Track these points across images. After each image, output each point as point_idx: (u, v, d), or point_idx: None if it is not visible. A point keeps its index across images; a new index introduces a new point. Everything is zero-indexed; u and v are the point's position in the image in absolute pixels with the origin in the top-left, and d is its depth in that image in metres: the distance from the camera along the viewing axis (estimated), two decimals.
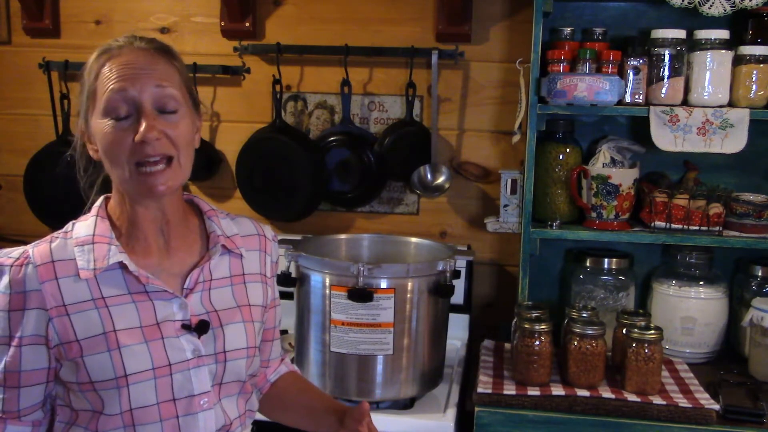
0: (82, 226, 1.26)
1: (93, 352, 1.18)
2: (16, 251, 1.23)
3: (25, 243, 1.28)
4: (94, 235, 1.24)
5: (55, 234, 1.26)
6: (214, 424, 1.25)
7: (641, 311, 2.07)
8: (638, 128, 2.26)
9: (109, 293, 1.21)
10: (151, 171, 1.19)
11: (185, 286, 1.26)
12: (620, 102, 2.07)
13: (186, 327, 1.23)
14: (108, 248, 1.22)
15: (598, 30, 2.23)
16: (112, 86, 1.18)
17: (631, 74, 2.07)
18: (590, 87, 2.02)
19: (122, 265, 1.21)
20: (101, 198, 1.31)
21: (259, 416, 1.46)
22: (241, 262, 1.34)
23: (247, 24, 2.50)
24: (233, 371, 1.28)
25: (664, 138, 2.03)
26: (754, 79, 2.02)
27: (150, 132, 1.17)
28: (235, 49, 2.48)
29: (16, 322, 1.19)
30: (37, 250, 1.22)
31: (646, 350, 1.85)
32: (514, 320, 2.01)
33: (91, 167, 1.32)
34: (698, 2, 2.00)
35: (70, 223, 1.28)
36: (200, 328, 1.24)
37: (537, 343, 1.90)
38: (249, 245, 1.37)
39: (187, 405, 1.22)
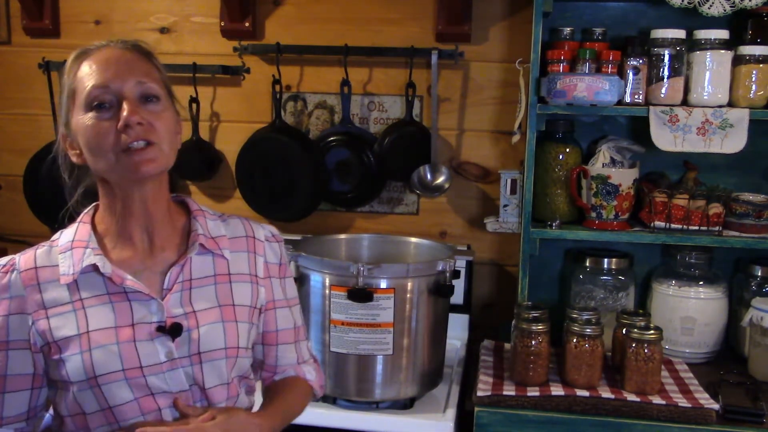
0: (66, 234, 1.29)
1: (69, 353, 1.20)
2: (4, 260, 1.27)
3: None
4: (73, 240, 1.26)
5: (43, 242, 1.29)
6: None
7: (641, 311, 2.07)
8: (638, 128, 2.26)
9: (87, 294, 1.23)
10: (134, 149, 1.19)
11: (164, 286, 1.26)
12: (620, 102, 2.07)
13: (161, 329, 1.23)
14: (83, 252, 1.24)
15: (598, 30, 2.23)
16: (93, 81, 1.20)
17: (630, 74, 2.07)
18: (590, 87, 2.02)
19: (95, 268, 1.22)
20: (91, 206, 1.33)
21: None
22: (226, 263, 1.33)
23: (247, 24, 2.50)
24: (212, 372, 1.26)
25: (663, 138, 2.03)
26: (753, 79, 2.02)
27: (132, 116, 1.18)
28: (235, 49, 2.48)
29: (3, 327, 1.22)
30: (23, 257, 1.26)
31: (646, 350, 1.86)
32: (514, 320, 2.01)
33: (75, 172, 1.33)
34: (698, 2, 2.00)
35: (59, 231, 1.31)
36: (173, 331, 1.23)
37: (534, 343, 1.90)
38: (236, 247, 1.36)
39: (167, 400, 1.23)
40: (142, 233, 1.28)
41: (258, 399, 1.42)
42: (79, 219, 1.31)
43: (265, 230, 1.43)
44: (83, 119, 1.21)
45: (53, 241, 1.29)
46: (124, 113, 1.18)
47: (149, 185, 1.25)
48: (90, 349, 1.19)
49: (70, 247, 1.25)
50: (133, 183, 1.23)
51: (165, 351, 1.22)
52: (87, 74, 1.21)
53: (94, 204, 1.33)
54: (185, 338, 1.24)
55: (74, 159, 1.28)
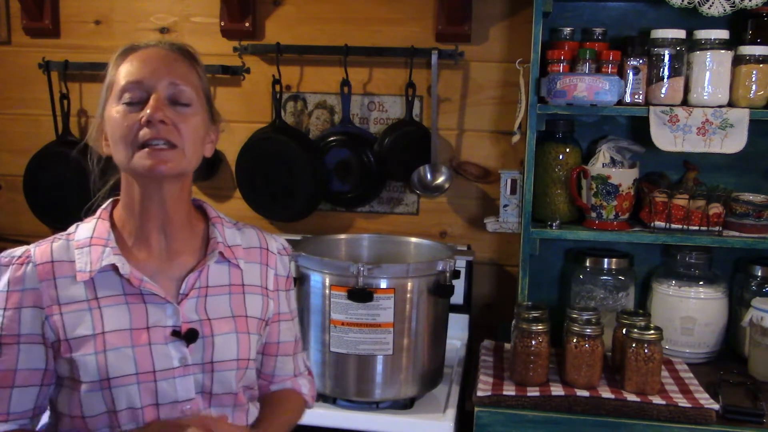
0: (84, 229, 1.27)
1: (81, 353, 1.19)
2: (19, 250, 1.25)
3: (25, 243, 1.29)
4: (92, 237, 1.25)
5: (58, 235, 1.28)
6: None
7: (641, 311, 2.07)
8: (638, 128, 2.26)
9: (104, 294, 1.22)
10: (152, 148, 1.19)
11: (181, 291, 1.26)
12: (620, 102, 2.07)
13: (176, 334, 1.22)
14: (102, 250, 1.23)
15: (598, 30, 2.23)
16: (129, 77, 1.22)
17: (630, 74, 2.07)
18: (590, 87, 2.02)
19: (114, 267, 1.22)
20: (109, 200, 1.32)
21: None
22: (240, 273, 1.33)
23: (247, 24, 2.50)
24: (222, 382, 1.26)
25: (663, 138, 2.03)
26: (753, 79, 2.02)
27: (156, 113, 1.18)
28: (235, 49, 2.48)
29: (14, 320, 1.20)
30: (38, 249, 1.25)
31: (646, 350, 1.86)
32: (514, 320, 2.01)
33: (102, 164, 1.32)
34: (698, 2, 2.00)
35: (75, 224, 1.30)
36: (189, 336, 1.23)
37: (534, 343, 1.90)
38: (250, 257, 1.36)
39: (171, 410, 1.22)
40: (160, 235, 1.27)
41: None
42: (97, 215, 1.29)
43: (277, 243, 1.43)
44: (113, 110, 1.22)
45: (69, 234, 1.28)
46: (148, 110, 1.18)
47: (167, 186, 1.24)
48: (105, 351, 1.18)
49: (89, 243, 1.24)
50: (151, 181, 1.23)
51: (179, 356, 1.22)
52: (126, 69, 1.23)
53: (111, 199, 1.32)
54: (200, 345, 1.24)
55: (105, 150, 1.28)
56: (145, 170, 1.20)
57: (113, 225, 1.28)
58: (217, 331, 1.26)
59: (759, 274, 2.21)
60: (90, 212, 1.33)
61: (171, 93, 1.22)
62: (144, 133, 1.18)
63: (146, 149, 1.19)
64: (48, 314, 1.20)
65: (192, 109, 1.24)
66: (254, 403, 1.39)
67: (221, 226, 1.34)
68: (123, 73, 1.23)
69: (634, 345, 1.87)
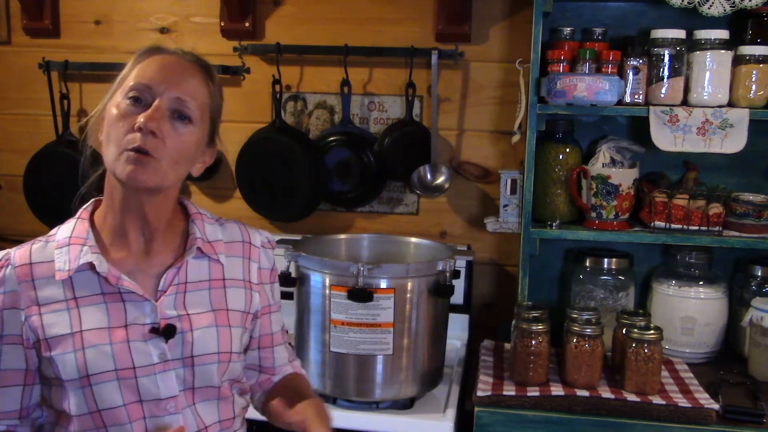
0: (63, 229, 1.28)
1: (60, 352, 1.19)
2: None
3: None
4: (71, 237, 1.26)
5: (39, 237, 1.29)
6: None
7: (641, 311, 2.07)
8: (638, 128, 2.26)
9: (82, 293, 1.22)
10: (135, 155, 1.18)
11: (159, 288, 1.26)
12: (620, 102, 2.07)
13: (154, 331, 1.23)
14: (80, 249, 1.24)
15: (598, 30, 2.23)
16: (141, 79, 1.22)
17: (630, 74, 2.07)
18: (590, 87, 2.02)
19: (91, 266, 1.22)
20: (91, 201, 1.33)
21: (255, 416, 1.46)
22: (221, 268, 1.33)
23: (247, 24, 2.50)
24: (203, 376, 1.26)
25: (663, 138, 2.03)
26: (753, 79, 2.02)
27: (149, 122, 1.18)
28: (235, 49, 2.48)
29: None
30: (18, 252, 1.26)
31: (646, 350, 1.86)
32: (514, 320, 2.01)
33: (92, 154, 1.32)
34: (698, 2, 2.00)
35: (57, 227, 1.30)
36: (167, 332, 1.23)
37: (534, 343, 1.90)
38: (231, 252, 1.36)
39: (154, 407, 1.22)
40: (139, 235, 1.27)
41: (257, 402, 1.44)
42: (77, 215, 1.30)
43: (261, 236, 1.43)
44: (116, 104, 1.22)
45: (50, 236, 1.29)
46: (143, 118, 1.18)
47: (146, 197, 1.25)
48: (83, 348, 1.19)
49: (68, 243, 1.25)
50: (129, 190, 1.23)
51: (158, 352, 1.22)
52: (141, 70, 1.23)
53: (93, 200, 1.33)
54: (179, 340, 1.24)
55: (98, 138, 1.27)
56: (123, 175, 1.20)
57: (93, 225, 1.29)
58: (196, 325, 1.26)
59: (759, 274, 2.21)
60: (82, 200, 1.33)
61: (175, 106, 1.22)
62: (134, 137, 1.18)
63: (130, 153, 1.19)
64: (27, 315, 1.21)
65: (191, 127, 1.24)
66: (244, 397, 1.39)
67: (201, 222, 1.34)
68: (137, 71, 1.23)
69: (634, 345, 1.87)
